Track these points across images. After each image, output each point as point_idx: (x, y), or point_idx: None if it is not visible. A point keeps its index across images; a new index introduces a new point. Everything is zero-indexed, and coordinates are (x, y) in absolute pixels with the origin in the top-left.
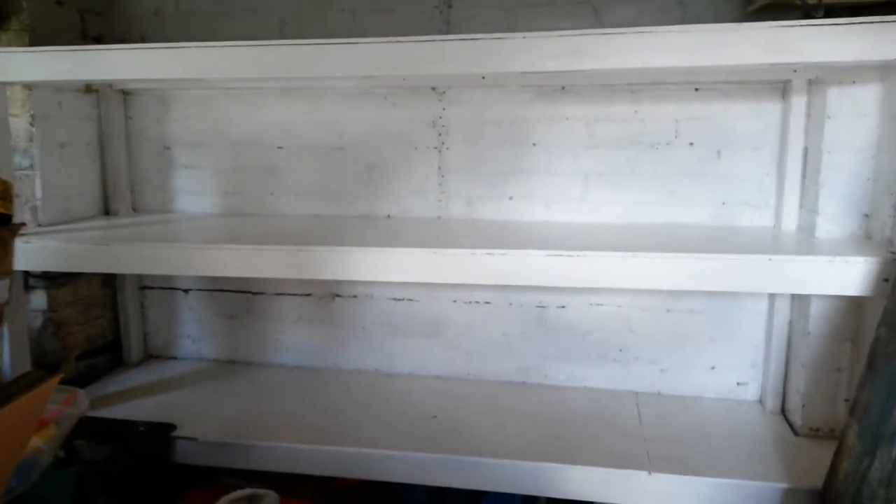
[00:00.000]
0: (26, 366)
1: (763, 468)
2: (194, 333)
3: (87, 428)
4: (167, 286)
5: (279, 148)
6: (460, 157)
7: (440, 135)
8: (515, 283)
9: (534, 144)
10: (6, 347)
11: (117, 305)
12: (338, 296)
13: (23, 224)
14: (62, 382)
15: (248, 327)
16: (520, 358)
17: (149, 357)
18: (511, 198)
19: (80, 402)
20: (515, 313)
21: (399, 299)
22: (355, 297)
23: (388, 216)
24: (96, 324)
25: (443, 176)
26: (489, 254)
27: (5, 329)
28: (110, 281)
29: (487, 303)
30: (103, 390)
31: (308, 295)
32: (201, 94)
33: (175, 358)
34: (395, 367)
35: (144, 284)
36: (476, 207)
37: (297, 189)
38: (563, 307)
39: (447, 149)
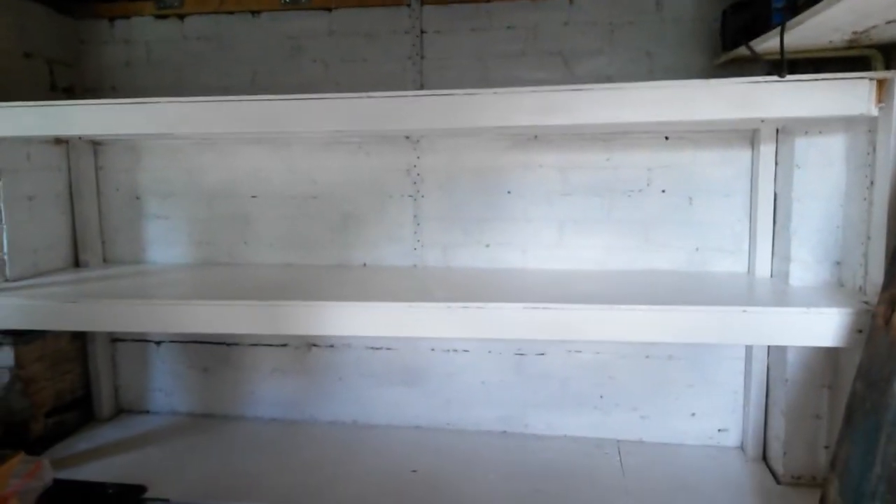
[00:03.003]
0: None
1: None
2: (167, 387)
3: (57, 491)
4: (139, 338)
5: (252, 197)
6: (435, 204)
7: (415, 183)
8: (493, 336)
9: (508, 192)
10: None
11: (87, 359)
12: (314, 345)
13: None
14: (31, 444)
15: (222, 379)
16: (500, 406)
17: (120, 412)
18: (487, 245)
19: (45, 474)
20: (494, 361)
21: (377, 348)
22: (332, 346)
23: (364, 265)
24: (65, 379)
25: (418, 224)
26: (465, 307)
27: None
28: (80, 335)
29: (466, 351)
30: (73, 448)
31: (284, 345)
32: (173, 144)
33: (147, 412)
34: (374, 417)
35: (116, 337)
36: (452, 255)
37: (270, 238)
38: (542, 354)
39: (422, 196)
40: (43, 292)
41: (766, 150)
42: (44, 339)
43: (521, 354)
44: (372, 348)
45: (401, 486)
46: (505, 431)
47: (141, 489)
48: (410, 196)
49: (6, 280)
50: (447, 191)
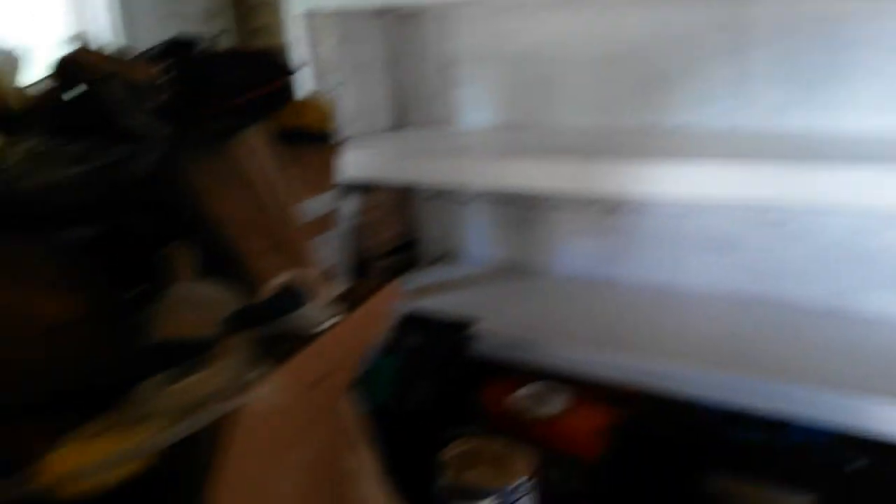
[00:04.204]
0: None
1: None
2: (479, 239)
3: (404, 320)
4: (455, 194)
5: (556, 60)
6: (761, 60)
7: (736, 37)
8: (829, 202)
9: (853, 43)
10: (333, 251)
11: (409, 212)
12: (621, 207)
13: (342, 140)
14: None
15: (529, 236)
16: (829, 283)
17: (439, 259)
18: (822, 106)
19: (400, 298)
20: (824, 237)
21: (688, 213)
22: (639, 209)
23: (676, 128)
24: (395, 227)
25: (740, 82)
26: (794, 169)
27: (330, 235)
28: (406, 189)
29: (788, 222)
30: (403, 287)
31: (590, 205)
32: (481, 11)
33: (462, 261)
34: (682, 283)
35: (435, 193)
36: (780, 117)
37: (575, 100)
38: (884, 231)
39: (744, 52)
40: (377, 150)
41: None
42: (378, 190)
43: (857, 233)
44: (681, 213)
45: (714, 349)
46: (833, 310)
47: (470, 323)
48: (730, 52)
49: (345, 140)
50: (775, 44)
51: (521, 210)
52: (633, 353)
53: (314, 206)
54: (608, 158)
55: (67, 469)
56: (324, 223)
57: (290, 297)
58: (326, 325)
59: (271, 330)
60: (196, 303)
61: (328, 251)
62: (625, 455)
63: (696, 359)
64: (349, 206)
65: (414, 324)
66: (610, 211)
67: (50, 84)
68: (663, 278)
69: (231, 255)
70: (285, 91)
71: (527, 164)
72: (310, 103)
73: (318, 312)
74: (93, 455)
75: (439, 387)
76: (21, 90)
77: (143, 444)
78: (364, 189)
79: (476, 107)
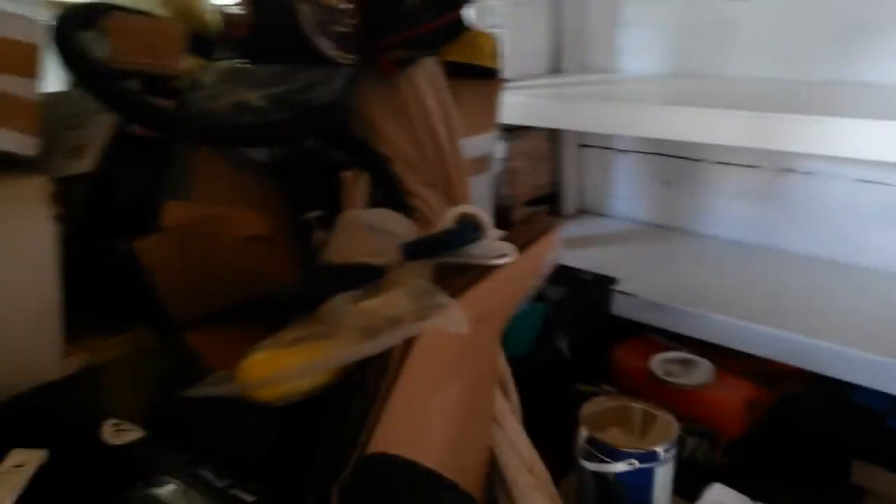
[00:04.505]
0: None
1: None
2: (627, 194)
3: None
4: (605, 146)
5: (737, 0)
6: None
7: None
8: None
9: None
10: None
11: (558, 161)
12: (790, 171)
13: (505, 80)
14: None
15: (683, 194)
16: None
17: (582, 212)
18: None
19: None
20: None
21: (868, 181)
22: (812, 173)
23: (870, 83)
24: (539, 175)
25: None
26: None
27: (483, 177)
28: (554, 137)
29: None
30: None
31: (755, 167)
32: None
33: (606, 216)
34: (855, 257)
35: (583, 143)
36: None
37: (757, 48)
38: None
39: None
40: (531, 93)
41: None
42: (526, 137)
43: None
44: (862, 181)
45: (889, 332)
46: None
47: (613, 280)
48: None
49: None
50: None
51: (678, 166)
52: (790, 330)
53: (474, 145)
54: (786, 114)
55: (263, 374)
56: (480, 164)
57: (470, 230)
58: (501, 262)
59: (449, 260)
60: (370, 229)
61: (479, 193)
62: (772, 435)
63: (858, 341)
64: (500, 150)
65: (557, 276)
66: (780, 173)
67: (245, 7)
68: (832, 252)
69: (396, 187)
70: (459, 23)
71: (692, 113)
72: (480, 38)
73: (494, 248)
74: (287, 362)
75: (578, 341)
76: (217, 13)
77: (333, 357)
78: (515, 133)
79: (641, 52)
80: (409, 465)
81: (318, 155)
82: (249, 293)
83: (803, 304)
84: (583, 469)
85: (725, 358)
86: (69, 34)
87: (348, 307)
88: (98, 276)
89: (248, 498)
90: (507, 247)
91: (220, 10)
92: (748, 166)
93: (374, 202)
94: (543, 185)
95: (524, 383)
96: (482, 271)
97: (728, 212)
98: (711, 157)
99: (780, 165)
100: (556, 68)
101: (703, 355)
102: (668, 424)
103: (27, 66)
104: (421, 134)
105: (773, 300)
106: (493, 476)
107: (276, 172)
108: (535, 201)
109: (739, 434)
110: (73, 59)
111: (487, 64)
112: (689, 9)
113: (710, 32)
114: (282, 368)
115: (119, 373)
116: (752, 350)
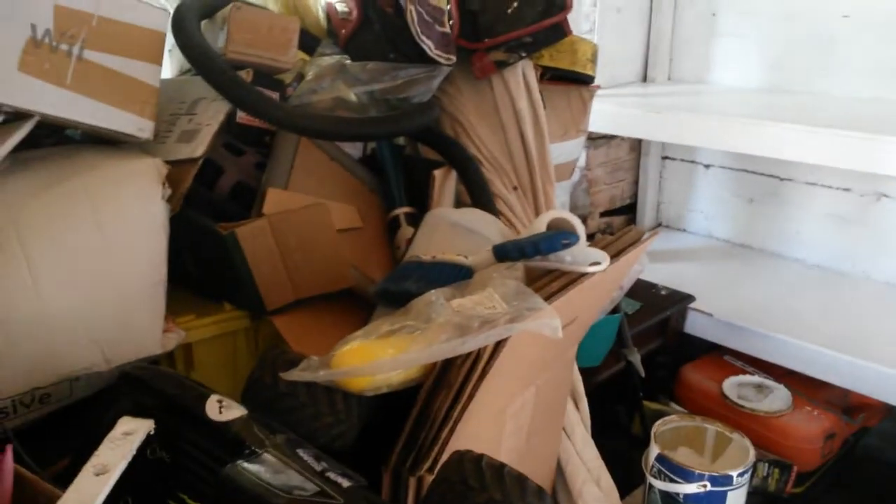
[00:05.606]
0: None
1: None
2: (708, 210)
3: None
4: (688, 159)
5: (844, 17)
6: None
7: None
8: None
9: None
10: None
11: (639, 171)
12: (885, 196)
13: (597, 87)
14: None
15: (767, 214)
16: None
17: (659, 225)
18: None
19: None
20: None
21: None
22: None
23: None
24: (619, 186)
25: None
26: None
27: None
28: (636, 148)
29: None
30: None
31: (846, 190)
32: None
33: (685, 231)
34: None
35: (666, 154)
36: None
37: (857, 66)
38: None
39: None
40: (618, 101)
41: None
42: (608, 145)
43: None
44: None
45: None
46: None
47: (689, 298)
48: None
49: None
50: None
51: (764, 183)
52: (872, 360)
53: (561, 150)
54: (882, 135)
55: (357, 363)
56: (565, 170)
57: (564, 236)
58: (595, 269)
59: (539, 264)
60: (458, 228)
61: (560, 200)
62: (847, 468)
63: None
64: (584, 157)
65: (633, 290)
66: (872, 198)
67: (352, 6)
68: None
69: (485, 188)
70: (560, 28)
71: (783, 129)
72: (580, 44)
73: (588, 255)
74: (381, 354)
75: (650, 356)
76: (323, 10)
77: (427, 352)
78: (597, 141)
79: (734, 64)
80: (497, 466)
81: (409, 152)
82: (340, 283)
83: (888, 334)
84: (651, 487)
85: (800, 385)
86: (190, 23)
87: (441, 303)
88: (198, 258)
89: (345, 483)
90: (601, 254)
91: (326, 7)
92: (839, 189)
93: (460, 202)
94: (622, 195)
95: (594, 395)
96: (574, 277)
97: (814, 235)
98: (800, 177)
99: (874, 190)
100: (644, 77)
101: (776, 381)
102: (744, 448)
103: (152, 52)
104: (511, 136)
105: (856, 329)
106: (559, 486)
107: (368, 167)
108: (611, 212)
109: (815, 466)
110: (192, 47)
111: (583, 70)
112: (789, 23)
113: (808, 48)
114: (376, 359)
115: (209, 351)
116: (831, 379)
